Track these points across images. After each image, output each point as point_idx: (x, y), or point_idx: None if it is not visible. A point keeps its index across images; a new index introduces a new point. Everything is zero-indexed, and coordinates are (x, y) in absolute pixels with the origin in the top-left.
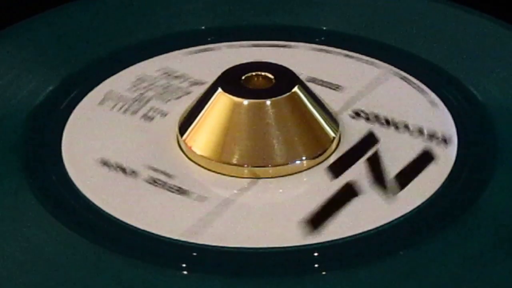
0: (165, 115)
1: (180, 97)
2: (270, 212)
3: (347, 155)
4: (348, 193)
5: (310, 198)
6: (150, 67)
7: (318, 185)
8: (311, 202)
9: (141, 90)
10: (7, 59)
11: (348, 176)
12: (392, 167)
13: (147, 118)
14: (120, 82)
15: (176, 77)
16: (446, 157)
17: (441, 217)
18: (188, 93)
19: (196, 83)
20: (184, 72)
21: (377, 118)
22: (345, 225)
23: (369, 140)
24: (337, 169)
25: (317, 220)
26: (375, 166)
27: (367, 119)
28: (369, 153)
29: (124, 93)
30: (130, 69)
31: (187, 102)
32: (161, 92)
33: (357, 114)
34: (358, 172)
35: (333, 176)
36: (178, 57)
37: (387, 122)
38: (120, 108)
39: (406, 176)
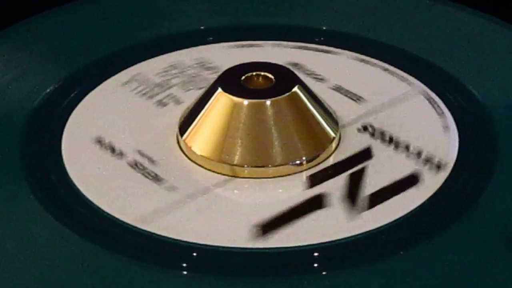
0: (180, 103)
1: (201, 88)
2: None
3: (333, 167)
4: (313, 205)
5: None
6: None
7: (290, 193)
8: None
9: (168, 77)
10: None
11: (323, 187)
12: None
13: (161, 104)
14: (151, 67)
15: (208, 68)
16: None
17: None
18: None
19: None
20: (217, 64)
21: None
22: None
23: (363, 155)
24: (315, 179)
25: (268, 226)
26: (355, 182)
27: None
28: (356, 168)
29: (151, 77)
30: (164, 57)
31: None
32: (187, 81)
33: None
34: (335, 184)
35: (308, 186)
36: (217, 50)
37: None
38: (140, 92)
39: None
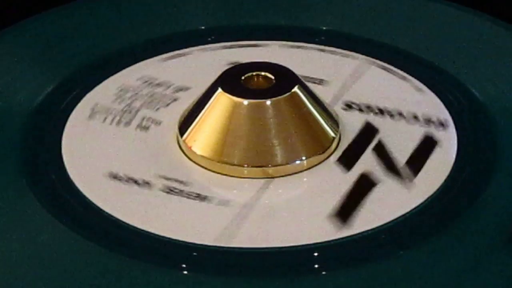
0: (160, 123)
1: (168, 104)
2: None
3: (351, 148)
4: (366, 184)
5: (327, 193)
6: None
7: (333, 180)
8: (328, 198)
9: (127, 101)
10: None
11: (360, 167)
12: (399, 154)
13: (143, 128)
14: (103, 93)
15: (158, 84)
16: (447, 146)
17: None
18: (175, 99)
19: (180, 89)
20: (164, 79)
21: (369, 108)
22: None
23: (369, 130)
24: (347, 161)
25: (345, 213)
26: (383, 155)
27: (360, 110)
28: (373, 143)
29: (110, 105)
30: (112, 79)
31: (178, 108)
32: (148, 101)
33: (348, 106)
34: (368, 162)
35: (346, 169)
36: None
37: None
38: (112, 120)
39: (416, 162)
